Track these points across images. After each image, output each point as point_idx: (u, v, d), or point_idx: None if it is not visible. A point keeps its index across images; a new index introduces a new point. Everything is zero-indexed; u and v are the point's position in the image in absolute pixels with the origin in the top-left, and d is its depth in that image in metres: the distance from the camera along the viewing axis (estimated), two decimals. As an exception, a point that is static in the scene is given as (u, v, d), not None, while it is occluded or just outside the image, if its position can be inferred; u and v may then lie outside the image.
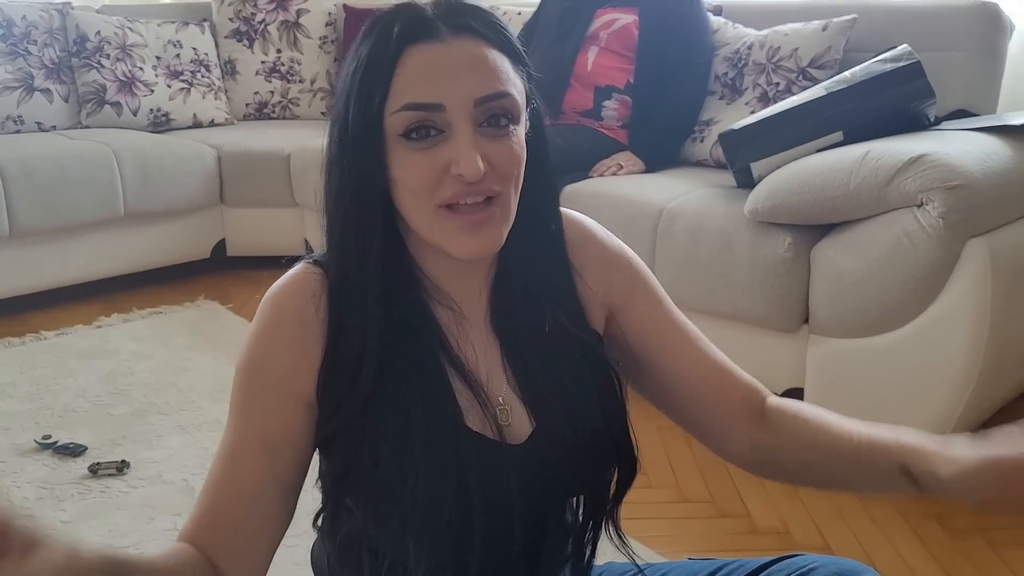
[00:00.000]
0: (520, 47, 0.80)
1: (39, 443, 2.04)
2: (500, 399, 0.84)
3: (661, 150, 2.57)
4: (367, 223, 0.78)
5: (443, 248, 0.77)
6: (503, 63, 0.76)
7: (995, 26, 2.30)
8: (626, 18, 2.63)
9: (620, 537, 0.91)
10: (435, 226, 0.76)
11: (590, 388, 0.85)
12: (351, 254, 0.79)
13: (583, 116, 2.65)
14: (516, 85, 0.77)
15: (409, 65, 0.74)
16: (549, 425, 0.83)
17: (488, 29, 0.77)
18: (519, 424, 0.84)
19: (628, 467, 0.89)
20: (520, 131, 0.78)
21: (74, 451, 2.00)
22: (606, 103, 2.62)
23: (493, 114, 0.75)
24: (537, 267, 0.85)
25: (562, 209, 0.90)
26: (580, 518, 0.90)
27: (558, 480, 0.84)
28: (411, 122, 0.74)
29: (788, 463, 0.91)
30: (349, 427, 0.79)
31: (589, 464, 0.85)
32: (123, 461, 1.94)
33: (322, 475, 0.83)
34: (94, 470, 1.92)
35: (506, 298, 0.85)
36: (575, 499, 0.90)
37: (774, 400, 0.95)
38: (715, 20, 2.69)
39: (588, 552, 0.91)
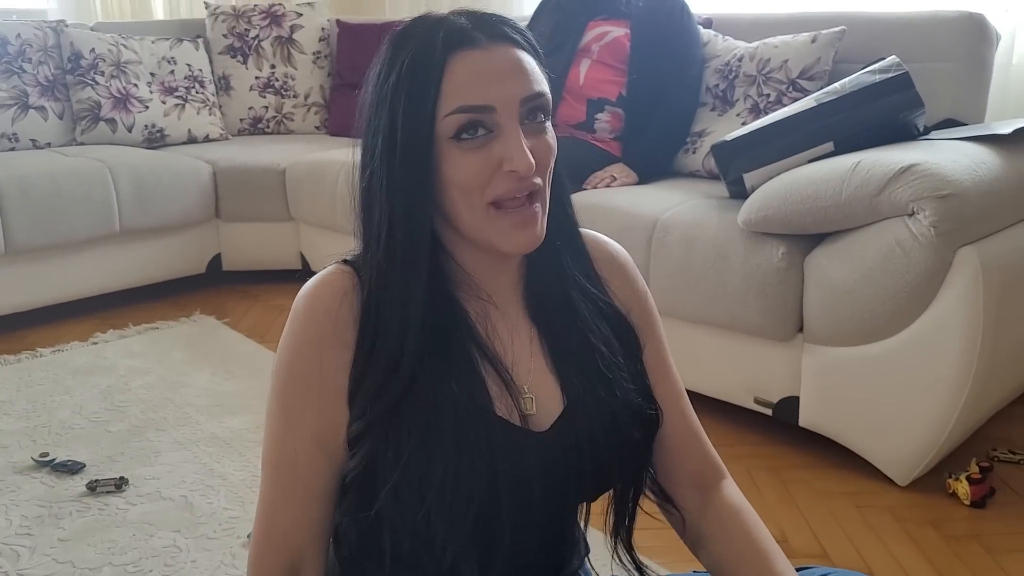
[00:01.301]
0: (539, 49, 0.85)
1: (36, 461, 2.04)
2: (526, 388, 0.86)
3: (654, 161, 2.59)
4: (417, 227, 0.81)
5: (493, 245, 0.81)
6: (534, 65, 0.82)
7: (982, 37, 2.33)
8: (618, 31, 2.65)
9: (629, 543, 0.94)
10: (486, 224, 0.80)
11: (621, 358, 0.89)
12: (399, 257, 0.81)
13: (576, 128, 2.67)
14: (545, 84, 0.82)
15: (457, 70, 0.78)
16: (579, 407, 0.86)
17: (517, 35, 0.82)
18: (544, 413, 0.86)
19: (650, 418, 0.91)
20: (550, 126, 0.83)
21: (72, 468, 2.00)
22: (599, 115, 2.64)
23: (533, 111, 0.80)
24: (561, 251, 0.90)
25: (591, 231, 0.96)
26: (613, 506, 0.93)
27: (583, 468, 0.86)
28: (463, 124, 0.78)
29: (708, 548, 0.95)
30: (383, 420, 0.81)
31: (616, 444, 0.87)
32: (121, 478, 1.94)
33: (350, 468, 0.84)
34: (92, 487, 1.92)
35: (538, 285, 0.89)
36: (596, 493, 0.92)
37: (728, 489, 0.99)
38: (705, 32, 2.71)
39: (624, 536, 0.93)
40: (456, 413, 0.80)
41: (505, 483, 0.80)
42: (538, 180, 0.80)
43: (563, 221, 0.90)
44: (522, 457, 0.82)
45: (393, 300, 0.81)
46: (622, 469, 0.90)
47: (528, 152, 0.78)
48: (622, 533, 0.93)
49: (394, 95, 0.79)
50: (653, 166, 2.58)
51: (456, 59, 0.78)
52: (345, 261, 0.86)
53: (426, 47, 0.79)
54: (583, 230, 0.95)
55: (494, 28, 0.80)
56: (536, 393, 0.86)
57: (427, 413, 0.80)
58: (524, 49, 0.81)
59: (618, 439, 0.87)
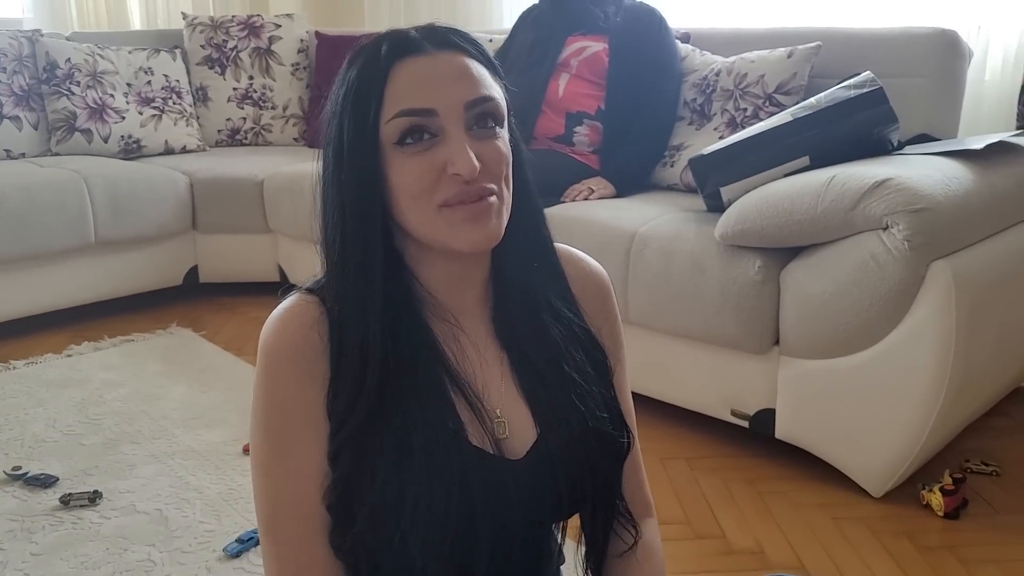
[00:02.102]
0: (495, 62, 0.85)
1: (9, 474, 2.01)
2: (497, 412, 0.85)
3: (631, 174, 2.61)
4: (368, 236, 0.80)
5: (447, 245, 0.79)
6: (484, 72, 0.81)
7: (955, 53, 2.36)
8: (596, 46, 2.67)
9: (599, 569, 0.94)
10: (438, 224, 0.79)
11: (593, 387, 0.88)
12: (352, 269, 0.81)
13: (554, 141, 2.68)
14: (497, 92, 0.82)
15: (400, 77, 0.78)
16: (551, 433, 0.85)
17: (467, 44, 0.82)
18: (516, 437, 0.85)
19: (622, 450, 0.91)
20: (504, 134, 0.82)
21: (45, 482, 1.98)
22: (577, 128, 2.65)
23: (481, 117, 0.79)
24: (531, 272, 0.88)
25: (567, 247, 0.95)
26: (584, 519, 0.92)
27: (557, 494, 0.85)
28: (405, 128, 0.77)
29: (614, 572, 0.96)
30: (352, 443, 0.80)
31: (588, 471, 0.86)
32: (95, 492, 1.92)
33: (329, 487, 0.82)
34: (66, 501, 1.90)
35: (507, 306, 0.88)
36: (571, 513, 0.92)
37: (650, 527, 1.01)
38: (683, 47, 2.74)
39: (594, 554, 0.93)
40: (426, 440, 0.79)
41: (481, 510, 0.79)
42: (491, 185, 0.79)
43: (536, 241, 0.89)
44: (498, 485, 0.81)
45: (352, 316, 0.80)
46: (596, 493, 0.89)
47: (472, 155, 0.77)
48: (593, 556, 0.93)
49: (343, 107, 0.80)
50: (630, 179, 2.59)
51: (400, 65, 0.79)
52: (308, 290, 0.85)
53: (372, 57, 0.80)
54: (560, 246, 0.94)
55: (442, 37, 0.81)
56: (508, 417, 0.85)
57: (398, 438, 0.79)
58: (472, 57, 0.81)
59: (590, 466, 0.86)
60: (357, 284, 0.80)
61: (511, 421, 0.85)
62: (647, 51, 2.62)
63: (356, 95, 0.79)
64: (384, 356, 0.79)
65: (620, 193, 2.55)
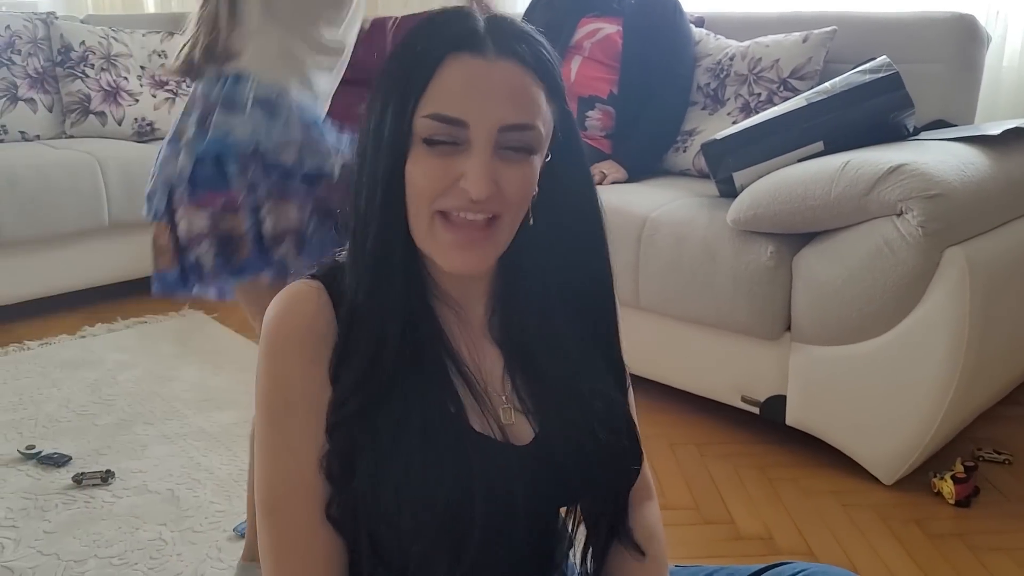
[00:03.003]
0: (561, 82, 0.81)
1: (22, 453, 2.03)
2: (503, 398, 0.85)
3: (644, 159, 2.59)
4: (393, 223, 0.79)
5: (433, 257, 0.79)
6: (538, 96, 0.77)
7: (972, 38, 2.34)
8: (610, 28, 2.65)
9: (601, 563, 0.92)
10: (429, 234, 0.78)
11: (597, 395, 0.86)
12: (374, 260, 0.80)
13: None
14: (545, 119, 0.78)
15: (448, 73, 0.75)
16: (553, 429, 0.85)
17: (534, 58, 0.77)
18: (521, 424, 0.85)
19: (631, 467, 0.89)
20: (536, 162, 0.79)
21: (58, 461, 2.00)
22: (589, 113, 2.64)
23: (514, 145, 0.76)
24: (534, 285, 0.86)
25: None
26: (588, 521, 0.91)
27: (561, 482, 0.85)
28: (434, 130, 0.75)
29: (613, 557, 0.94)
30: (352, 420, 0.79)
31: (593, 469, 0.85)
32: (108, 471, 1.94)
33: (327, 460, 0.81)
34: (78, 480, 1.91)
35: (513, 309, 0.87)
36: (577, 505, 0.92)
37: (651, 509, 0.98)
38: (697, 31, 2.72)
39: (593, 555, 0.92)
40: (425, 421, 0.78)
41: (480, 495, 0.78)
42: (499, 210, 0.77)
43: (550, 261, 0.86)
44: (502, 470, 0.80)
45: (371, 305, 0.80)
46: (601, 484, 0.88)
47: (487, 178, 0.74)
48: (595, 556, 0.92)
49: (388, 88, 0.78)
50: (643, 163, 2.58)
51: (453, 61, 0.75)
52: (313, 275, 0.84)
53: (431, 41, 0.76)
54: None
55: (507, 41, 0.76)
56: (512, 405, 0.85)
57: (397, 419, 0.78)
58: (533, 74, 0.77)
59: (592, 480, 0.85)
60: (377, 274, 0.80)
61: (514, 409, 0.85)
62: (661, 34, 2.61)
63: (407, 78, 0.76)
64: (402, 341, 0.79)
65: (632, 177, 2.54)
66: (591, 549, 0.92)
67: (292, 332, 0.81)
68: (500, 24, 0.78)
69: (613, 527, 0.91)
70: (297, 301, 0.82)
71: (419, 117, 0.76)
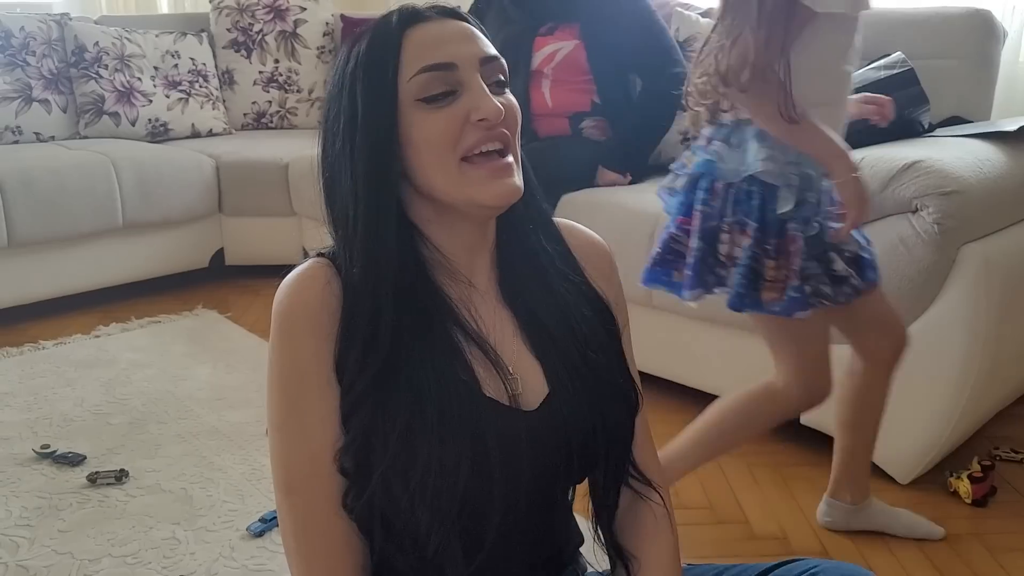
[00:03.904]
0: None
1: (37, 453, 2.04)
2: (511, 368, 0.85)
3: (634, 151, 2.52)
4: (382, 195, 0.82)
5: (473, 199, 0.81)
6: (485, 38, 0.85)
7: (988, 33, 2.31)
8: (567, 45, 2.53)
9: (610, 528, 0.93)
10: (461, 180, 0.81)
11: (603, 341, 0.90)
12: (365, 230, 0.81)
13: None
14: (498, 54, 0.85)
15: (414, 40, 0.81)
16: (563, 389, 0.86)
17: (468, 18, 0.86)
18: (530, 393, 0.85)
19: (632, 408, 0.92)
20: (511, 93, 0.85)
21: (72, 460, 2.01)
22: (583, 125, 2.57)
23: (495, 78, 0.83)
24: (534, 237, 0.90)
25: (567, 220, 0.97)
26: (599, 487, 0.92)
27: (570, 448, 0.85)
28: (429, 83, 0.80)
29: (627, 536, 0.95)
30: (365, 401, 0.80)
31: (602, 429, 0.87)
32: (122, 470, 1.94)
33: (342, 450, 0.82)
34: (93, 479, 1.92)
35: (514, 269, 0.89)
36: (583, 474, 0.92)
37: (659, 508, 0.98)
38: (705, 23, 2.69)
39: (606, 518, 0.93)
40: (440, 395, 0.79)
41: (496, 463, 0.79)
42: (508, 132, 0.82)
43: (531, 204, 0.90)
44: (512, 435, 0.82)
45: (366, 276, 0.81)
46: (608, 450, 0.89)
47: (495, 99, 0.80)
48: (604, 518, 0.93)
49: (353, 77, 0.82)
50: (634, 155, 2.51)
51: (412, 31, 0.82)
52: (319, 254, 0.86)
53: (381, 29, 0.83)
54: (560, 220, 0.96)
55: (445, 9, 0.85)
56: (521, 374, 0.86)
57: (410, 397, 0.79)
58: (476, 27, 0.85)
59: (602, 420, 0.87)
60: (370, 244, 0.81)
61: (524, 378, 0.86)
62: (623, 32, 2.49)
63: (369, 63, 0.81)
64: (397, 314, 0.80)
65: (635, 177, 2.49)
66: (601, 507, 0.93)
67: (303, 310, 0.82)
68: (433, 3, 0.86)
69: (619, 471, 0.92)
70: (307, 279, 0.83)
71: (405, 83, 0.80)
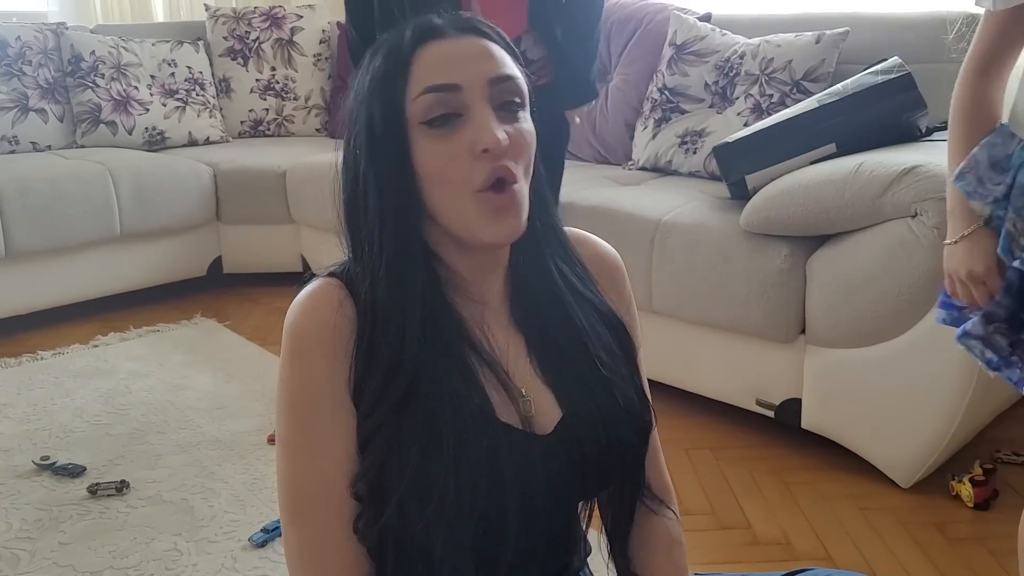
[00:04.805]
0: (516, 50, 0.85)
1: (37, 464, 2.03)
2: (523, 391, 0.85)
3: (579, 85, 2.18)
4: (407, 221, 0.81)
5: (474, 236, 0.79)
6: (504, 54, 0.82)
7: (985, 37, 2.32)
8: None
9: (626, 546, 0.93)
10: (464, 214, 0.78)
11: (619, 365, 0.88)
12: (391, 255, 0.80)
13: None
14: (517, 72, 0.82)
15: (424, 58, 0.79)
16: (576, 412, 0.85)
17: (489, 30, 0.83)
18: (543, 415, 0.85)
19: (646, 429, 0.90)
20: (528, 118, 0.82)
21: (73, 472, 2.00)
22: (523, 47, 2.11)
23: (505, 99, 0.80)
24: (547, 255, 0.88)
25: (577, 230, 0.96)
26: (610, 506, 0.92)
27: (585, 470, 0.85)
28: (431, 106, 0.78)
29: (637, 553, 0.95)
30: (384, 427, 0.79)
31: (616, 450, 0.86)
32: (122, 481, 1.94)
33: (356, 477, 0.81)
34: (93, 491, 1.91)
35: (527, 290, 0.88)
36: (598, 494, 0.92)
37: (670, 515, 0.98)
38: (703, 27, 2.70)
39: (619, 538, 0.93)
40: (456, 419, 0.78)
41: (512, 488, 0.78)
42: (513, 166, 0.78)
43: (548, 225, 0.88)
44: (527, 460, 0.81)
45: (390, 301, 0.80)
46: (623, 470, 0.89)
47: (498, 127, 0.77)
48: (619, 537, 0.93)
49: (370, 91, 0.81)
50: (579, 81, 2.18)
51: (424, 49, 0.80)
52: (331, 274, 0.84)
53: (396, 44, 0.81)
54: (571, 229, 0.94)
55: (464, 23, 0.82)
56: (533, 397, 0.85)
57: (427, 421, 0.78)
58: (495, 42, 0.82)
59: (618, 443, 0.86)
60: (395, 270, 0.80)
61: (537, 400, 0.85)
62: None
63: (384, 78, 0.80)
64: (422, 342, 0.79)
65: (576, 103, 2.20)
66: (617, 532, 0.92)
67: (317, 331, 0.80)
68: (452, 15, 0.83)
69: (634, 493, 0.91)
70: (320, 300, 0.82)
71: (411, 102, 0.78)
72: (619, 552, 0.93)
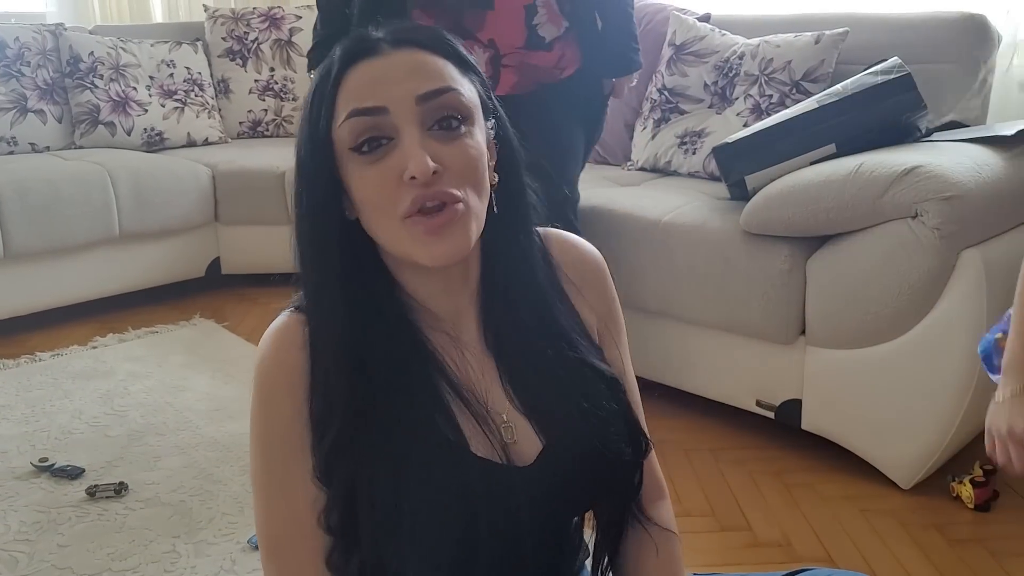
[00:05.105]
0: (469, 57, 0.80)
1: (36, 466, 2.03)
2: (504, 416, 0.82)
3: (620, 52, 2.07)
4: (324, 244, 0.78)
5: (412, 259, 0.76)
6: (447, 67, 0.77)
7: (983, 37, 2.32)
8: None
9: (614, 562, 0.91)
10: (401, 237, 0.75)
11: (594, 398, 0.84)
12: (315, 279, 0.79)
13: (526, 51, 1.92)
14: (464, 86, 0.77)
15: (351, 80, 0.75)
16: (559, 440, 0.82)
17: (430, 40, 0.78)
18: (525, 441, 0.82)
19: (638, 459, 0.87)
20: (477, 133, 0.77)
21: (71, 474, 1.99)
22: (537, 21, 1.92)
23: (443, 116, 0.75)
24: (523, 272, 0.84)
25: (559, 232, 0.92)
26: (595, 531, 0.90)
27: (569, 497, 0.83)
28: (358, 131, 0.74)
29: (629, 559, 0.93)
30: (339, 458, 0.77)
31: (601, 476, 0.84)
32: (121, 483, 1.93)
33: (324, 509, 0.80)
34: (92, 493, 1.91)
35: (495, 315, 0.84)
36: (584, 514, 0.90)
37: (665, 507, 0.97)
38: (702, 27, 2.70)
39: (607, 554, 0.91)
40: (425, 454, 0.76)
41: (486, 525, 0.76)
42: (454, 191, 0.74)
43: (518, 238, 0.84)
44: (507, 491, 0.78)
45: (320, 324, 0.79)
46: (611, 490, 0.87)
47: (424, 154, 0.72)
48: (605, 553, 0.91)
49: (302, 119, 0.78)
50: (621, 56, 2.07)
51: (352, 70, 0.76)
52: (297, 308, 0.82)
53: (327, 65, 0.77)
54: (552, 231, 0.91)
55: (403, 35, 0.77)
56: (513, 422, 0.82)
57: (393, 453, 0.76)
58: (435, 53, 0.77)
59: (607, 469, 0.83)
60: (321, 292, 0.79)
61: (517, 428, 0.82)
62: None
63: (311, 103, 0.77)
64: (358, 364, 0.77)
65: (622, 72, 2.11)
66: (604, 551, 0.90)
67: (279, 371, 0.80)
68: (394, 26, 0.79)
69: (623, 520, 0.89)
70: (282, 337, 0.80)
71: (336, 128, 0.75)
72: (607, 567, 0.91)
